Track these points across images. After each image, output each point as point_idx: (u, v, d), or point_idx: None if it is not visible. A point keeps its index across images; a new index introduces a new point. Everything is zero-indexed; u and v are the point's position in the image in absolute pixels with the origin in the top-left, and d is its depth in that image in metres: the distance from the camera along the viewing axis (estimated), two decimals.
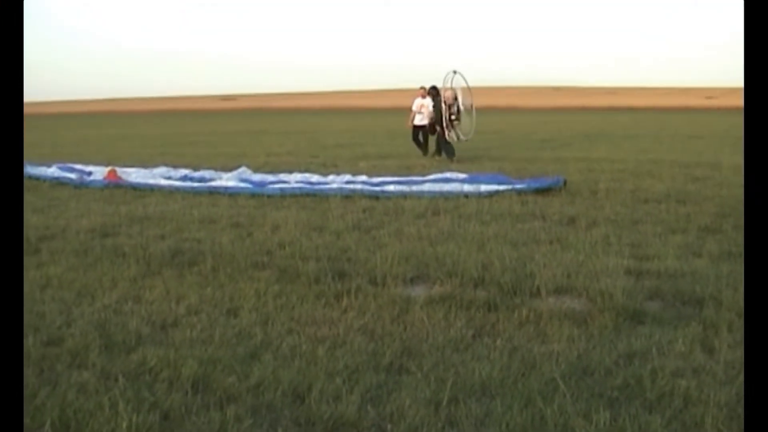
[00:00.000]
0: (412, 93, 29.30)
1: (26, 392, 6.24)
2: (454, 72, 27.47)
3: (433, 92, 27.33)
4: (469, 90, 27.99)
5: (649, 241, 11.65)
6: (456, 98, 27.09)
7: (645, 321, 7.87)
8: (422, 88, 28.15)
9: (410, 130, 28.71)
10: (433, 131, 27.21)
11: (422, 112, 27.76)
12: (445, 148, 26.82)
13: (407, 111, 28.99)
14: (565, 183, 17.34)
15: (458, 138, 26.94)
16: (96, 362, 7.00)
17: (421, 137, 28.13)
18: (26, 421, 5.74)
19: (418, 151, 27.83)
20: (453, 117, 26.76)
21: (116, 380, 6.52)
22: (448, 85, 27.30)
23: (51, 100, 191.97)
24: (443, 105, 26.51)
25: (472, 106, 27.80)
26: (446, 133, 26.54)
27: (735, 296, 8.32)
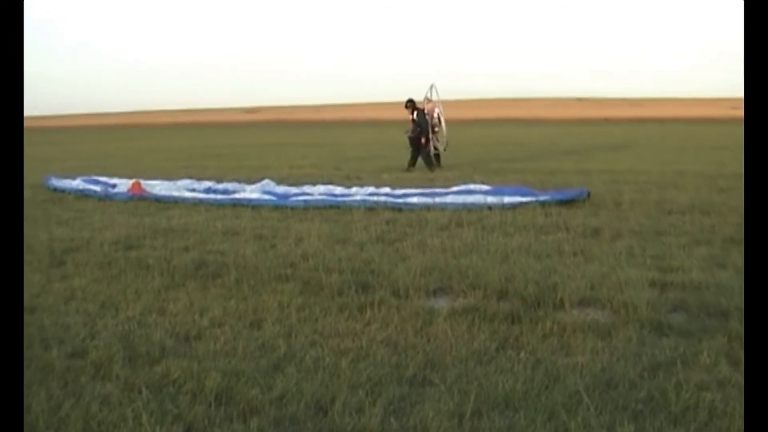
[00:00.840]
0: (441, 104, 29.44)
1: (50, 404, 6.28)
2: (432, 85, 27.85)
3: (411, 105, 27.51)
4: (440, 102, 28.48)
5: (674, 252, 11.59)
6: (435, 110, 27.76)
7: (669, 333, 7.81)
8: (427, 99, 28.41)
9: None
10: (418, 144, 27.31)
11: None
12: (427, 159, 27.27)
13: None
14: (588, 195, 17.28)
15: (437, 149, 27.74)
16: (120, 374, 7.02)
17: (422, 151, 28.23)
18: None
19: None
20: (436, 129, 27.52)
21: (140, 392, 6.53)
22: (430, 97, 27.95)
23: (76, 113, 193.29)
24: (425, 117, 27.12)
25: (442, 118, 28.35)
26: (430, 144, 27.15)
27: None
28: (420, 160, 27.50)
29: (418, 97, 27.92)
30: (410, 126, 27.71)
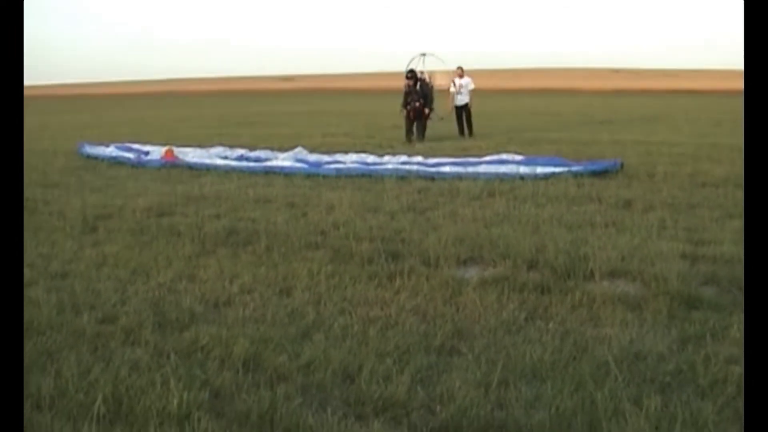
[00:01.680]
0: (474, 74, 29.42)
1: (80, 368, 6.34)
2: (423, 54, 27.82)
3: (413, 76, 27.53)
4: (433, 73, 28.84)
5: (706, 225, 11.50)
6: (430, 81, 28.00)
7: (700, 306, 7.76)
8: (459, 68, 29.10)
9: (453, 113, 29.19)
10: (421, 116, 27.33)
11: (461, 92, 28.64)
12: (422, 131, 27.28)
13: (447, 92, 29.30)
14: (622, 166, 17.18)
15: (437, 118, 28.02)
16: (149, 340, 7.07)
17: (464, 119, 28.80)
18: (79, 396, 5.82)
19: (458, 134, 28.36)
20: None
21: (168, 358, 6.58)
22: (421, 67, 28.25)
23: (110, 81, 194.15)
24: (428, 88, 27.41)
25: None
26: (431, 116, 27.48)
27: None
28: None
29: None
30: (412, 97, 27.40)
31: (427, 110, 27.09)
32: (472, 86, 28.94)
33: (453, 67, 29.44)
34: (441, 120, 27.92)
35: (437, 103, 27.91)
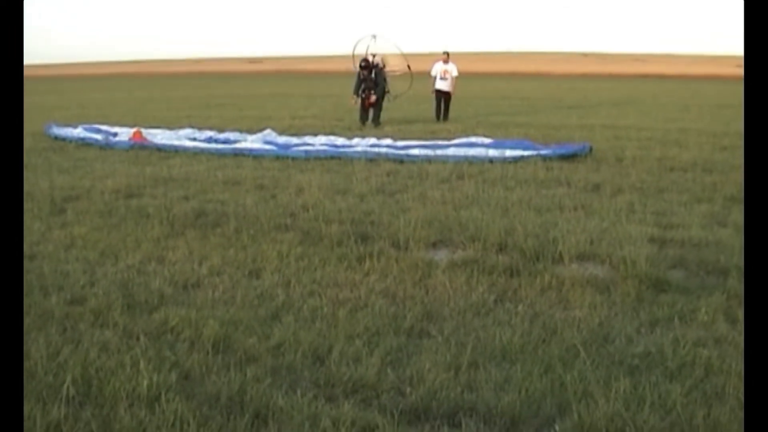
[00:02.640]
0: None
1: (49, 350, 6.31)
2: (374, 36, 27.62)
3: (367, 65, 26.99)
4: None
5: (674, 209, 11.58)
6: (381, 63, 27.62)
7: (668, 290, 7.82)
8: (445, 53, 28.74)
9: (432, 95, 28.97)
10: (369, 104, 27.19)
11: (445, 77, 28.32)
12: (377, 115, 27.10)
13: (427, 76, 29.04)
14: (591, 150, 17.25)
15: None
16: (118, 321, 7.04)
17: (442, 104, 28.49)
18: (48, 378, 5.79)
19: (434, 117, 28.12)
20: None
21: (138, 339, 6.55)
22: (372, 51, 27.59)
23: (77, 62, 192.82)
24: (383, 75, 27.15)
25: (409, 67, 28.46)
26: (381, 102, 27.18)
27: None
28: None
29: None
30: (367, 85, 26.97)
31: (374, 97, 26.76)
32: (455, 73, 28.71)
33: (405, 50, 29.15)
34: (395, 98, 27.65)
35: (391, 86, 27.63)
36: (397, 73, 28.03)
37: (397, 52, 28.78)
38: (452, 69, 28.51)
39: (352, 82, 27.42)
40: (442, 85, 28.51)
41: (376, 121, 26.75)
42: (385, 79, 26.99)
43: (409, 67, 28.34)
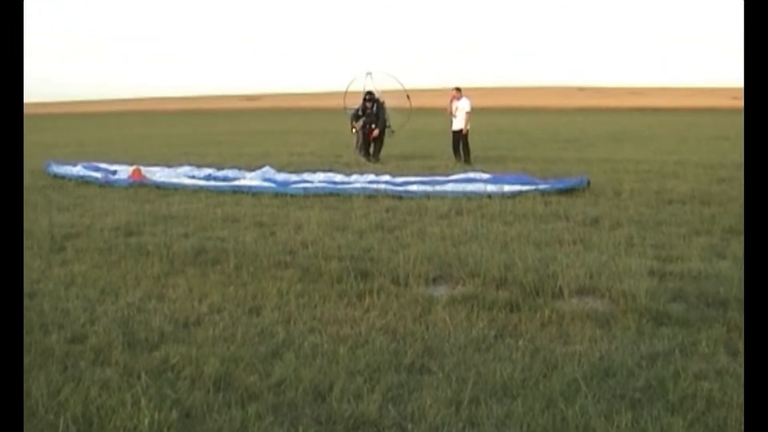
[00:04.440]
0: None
1: (50, 388, 6.30)
2: (368, 73, 27.74)
3: (371, 98, 27.17)
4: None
5: (673, 242, 11.59)
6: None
7: (668, 322, 7.83)
8: (456, 89, 26.85)
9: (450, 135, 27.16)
10: (370, 137, 27.24)
11: (456, 115, 26.47)
12: (377, 151, 27.23)
13: (443, 111, 27.79)
14: (588, 183, 17.29)
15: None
16: (119, 359, 7.04)
17: (460, 144, 26.59)
18: (49, 416, 5.79)
19: (453, 158, 26.43)
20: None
21: (139, 377, 6.55)
22: (370, 86, 27.70)
23: (76, 100, 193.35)
24: (383, 109, 27.20)
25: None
26: (382, 136, 27.28)
27: None
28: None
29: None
30: (369, 119, 27.05)
31: (376, 131, 26.85)
32: (468, 108, 26.36)
33: (406, 85, 29.12)
34: (393, 134, 27.67)
35: (391, 121, 27.70)
36: (397, 109, 28.00)
37: (399, 86, 28.84)
38: (463, 105, 26.41)
39: (348, 114, 27.47)
40: (453, 124, 26.56)
41: (376, 156, 26.80)
42: (385, 113, 27.06)
43: (408, 97, 28.37)
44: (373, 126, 26.89)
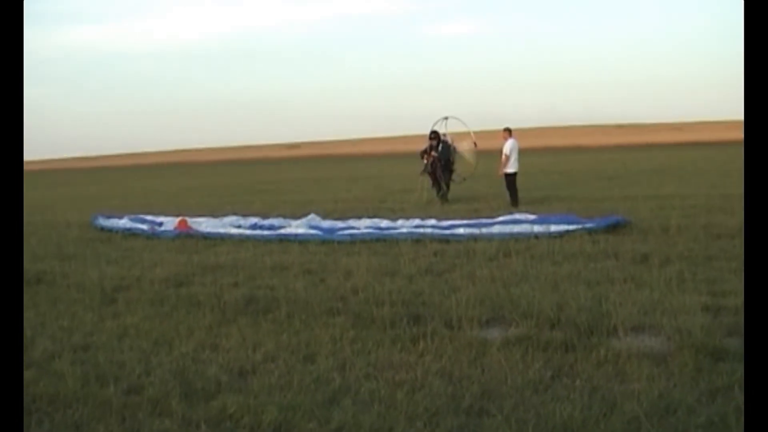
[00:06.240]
0: (477, 135, 29.31)
1: None
2: (446, 118, 28.04)
3: (436, 137, 27.64)
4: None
5: (725, 276, 11.50)
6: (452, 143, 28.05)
7: (725, 358, 7.76)
8: (505, 129, 25.97)
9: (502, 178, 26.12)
10: (435, 176, 27.54)
11: (511, 157, 25.60)
12: (446, 192, 27.55)
13: (498, 155, 26.43)
14: (628, 221, 17.41)
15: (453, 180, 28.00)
16: (176, 410, 7.08)
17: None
18: None
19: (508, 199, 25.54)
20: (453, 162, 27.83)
21: (198, 427, 6.60)
22: (444, 130, 28.22)
23: (121, 153, 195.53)
24: (449, 149, 27.59)
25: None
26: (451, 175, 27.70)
27: None
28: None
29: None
30: (428, 159, 27.60)
31: (441, 170, 27.16)
32: (506, 150, 25.62)
33: (476, 128, 29.23)
34: (463, 181, 27.97)
35: (458, 166, 28.02)
36: (466, 153, 28.18)
37: (466, 129, 29.06)
38: (505, 147, 25.63)
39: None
40: (508, 167, 25.62)
41: (444, 197, 27.18)
42: (450, 155, 27.46)
43: (475, 144, 28.53)
44: (441, 162, 27.30)
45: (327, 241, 17.79)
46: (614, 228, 16.85)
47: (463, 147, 28.30)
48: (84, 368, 8.45)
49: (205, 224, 22.22)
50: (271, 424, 6.55)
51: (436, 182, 27.60)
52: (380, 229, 19.59)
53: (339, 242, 17.52)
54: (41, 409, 7.33)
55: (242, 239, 19.08)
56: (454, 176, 27.82)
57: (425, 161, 27.59)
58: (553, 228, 17.10)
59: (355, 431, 6.33)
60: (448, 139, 27.91)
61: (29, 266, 15.57)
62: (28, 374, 8.33)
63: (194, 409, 7.10)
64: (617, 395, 6.90)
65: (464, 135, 28.98)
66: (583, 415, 6.44)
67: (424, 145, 28.06)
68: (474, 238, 16.77)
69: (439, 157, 27.20)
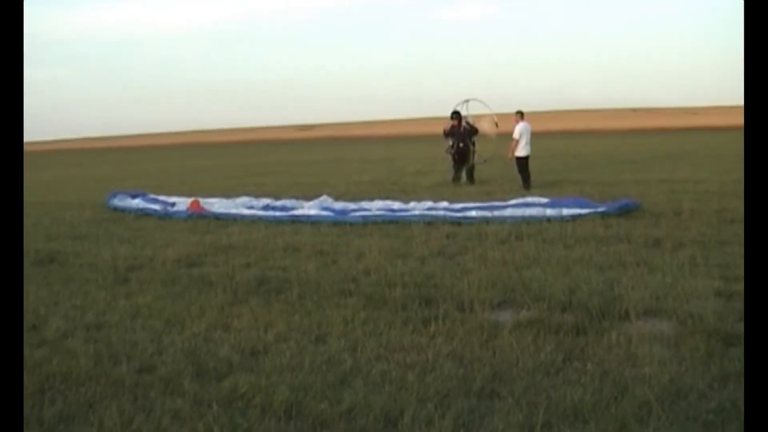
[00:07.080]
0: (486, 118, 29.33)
1: (122, 419, 6.38)
2: (466, 101, 28.15)
3: (458, 117, 27.88)
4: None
5: (738, 262, 11.43)
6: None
7: (737, 343, 7.72)
8: (517, 112, 26.19)
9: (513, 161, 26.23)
10: (466, 154, 27.77)
11: (521, 141, 25.78)
12: (471, 173, 27.98)
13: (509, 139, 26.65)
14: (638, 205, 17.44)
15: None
16: (189, 389, 7.10)
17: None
18: None
19: (520, 183, 25.64)
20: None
21: (209, 407, 6.60)
22: (465, 112, 28.47)
23: (133, 134, 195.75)
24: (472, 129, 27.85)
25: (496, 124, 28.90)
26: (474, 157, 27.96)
27: None
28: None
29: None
30: (455, 139, 27.80)
31: (467, 146, 27.48)
32: (516, 134, 25.83)
33: (497, 111, 29.30)
34: (485, 163, 28.05)
35: (480, 147, 28.18)
36: (488, 133, 28.27)
37: (488, 111, 29.23)
38: (515, 130, 25.81)
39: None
40: (519, 151, 25.80)
41: (469, 179, 27.56)
42: (470, 135, 27.74)
43: (497, 125, 28.77)
44: (461, 144, 27.44)
45: (339, 223, 17.82)
46: (626, 212, 16.82)
47: (485, 128, 28.32)
48: (97, 347, 8.48)
49: (217, 205, 22.24)
50: (282, 404, 6.56)
51: (456, 164, 27.76)
52: (392, 211, 19.60)
53: (351, 224, 17.54)
54: (54, 387, 7.36)
55: (254, 220, 19.13)
56: (476, 157, 27.87)
57: (450, 143, 27.71)
58: (566, 211, 17.07)
59: (366, 412, 6.33)
60: (469, 120, 28.00)
61: (42, 246, 15.63)
62: (41, 353, 8.39)
63: (206, 389, 7.12)
64: (628, 379, 6.89)
65: (487, 117, 28.99)
66: (594, 398, 6.43)
67: (446, 125, 28.19)
68: (486, 220, 16.77)
69: (462, 141, 27.45)
